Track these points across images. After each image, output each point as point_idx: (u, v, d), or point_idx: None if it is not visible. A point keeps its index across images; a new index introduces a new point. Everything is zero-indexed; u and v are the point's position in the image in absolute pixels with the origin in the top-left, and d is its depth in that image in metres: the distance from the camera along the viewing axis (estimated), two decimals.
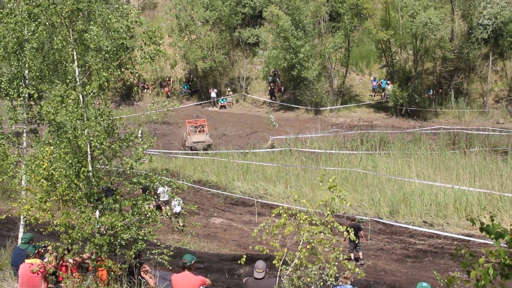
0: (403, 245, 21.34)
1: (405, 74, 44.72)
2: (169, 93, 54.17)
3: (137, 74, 12.13)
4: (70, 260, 11.21)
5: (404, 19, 42.22)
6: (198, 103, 52.53)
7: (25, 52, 13.29)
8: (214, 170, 32.12)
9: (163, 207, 23.01)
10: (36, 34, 12.65)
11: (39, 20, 11.61)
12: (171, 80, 55.68)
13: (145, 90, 55.61)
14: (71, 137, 10.65)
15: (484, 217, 20.46)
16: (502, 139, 34.13)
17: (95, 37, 10.57)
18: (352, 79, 49.55)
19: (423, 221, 22.99)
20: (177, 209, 22.24)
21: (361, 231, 19.20)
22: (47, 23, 11.46)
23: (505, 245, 5.13)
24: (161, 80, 55.76)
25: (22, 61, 13.61)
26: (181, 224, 18.80)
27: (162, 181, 12.16)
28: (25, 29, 13.16)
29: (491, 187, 24.23)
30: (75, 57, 10.97)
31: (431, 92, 44.62)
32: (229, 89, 52.02)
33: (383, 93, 46.07)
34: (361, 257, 18.82)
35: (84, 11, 11.32)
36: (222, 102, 51.48)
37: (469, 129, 36.48)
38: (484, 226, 5.09)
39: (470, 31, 42.75)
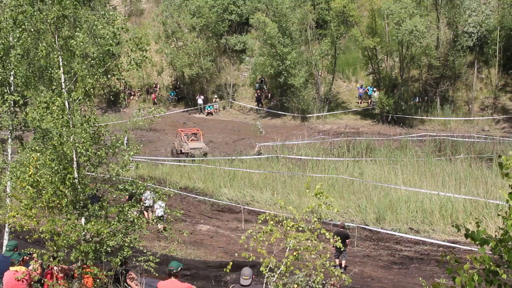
0: (389, 251, 21.40)
1: (391, 81, 45.00)
2: (155, 99, 54.03)
3: (123, 81, 12.11)
4: (56, 268, 11.11)
5: (390, 26, 42.53)
6: (185, 109, 52.46)
7: (10, 59, 13.20)
8: (201, 177, 32.05)
9: (145, 212, 22.89)
10: (21, 41, 12.57)
11: (24, 26, 11.54)
12: (158, 87, 55.57)
13: (132, 96, 55.43)
14: (56, 144, 10.58)
15: (470, 223, 20.59)
16: (487, 146, 34.40)
17: (81, 43, 10.53)
18: (339, 86, 49.76)
19: (409, 227, 23.08)
20: (159, 212, 22.28)
21: (348, 240, 19.23)
22: (32, 30, 11.38)
23: (490, 252, 5.17)
24: (147, 86, 55.64)
25: (7, 67, 13.52)
26: (161, 228, 18.63)
27: (148, 188, 12.12)
28: (10, 35, 13.08)
29: (476, 194, 24.39)
30: (60, 64, 10.91)
31: (417, 99, 44.92)
32: (216, 96, 52.02)
33: (369, 100, 46.31)
34: (343, 265, 18.80)
35: (70, 17, 11.27)
36: (209, 109, 51.45)
37: (455, 136, 36.73)
38: (469, 232, 5.13)
39: (456, 39, 43.20)
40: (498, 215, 6.63)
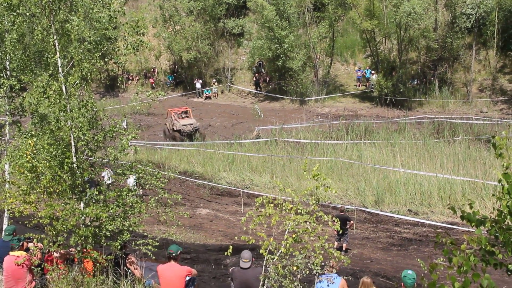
0: (388, 233, 21.49)
1: (389, 64, 44.86)
2: (153, 84, 53.92)
3: (121, 65, 12.09)
4: (56, 254, 11.17)
5: (388, 9, 42.32)
6: (183, 94, 52.38)
7: (5, 43, 13.14)
8: (199, 161, 32.09)
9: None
10: (16, 25, 12.50)
11: (18, 11, 11.45)
12: (156, 71, 55.43)
13: (130, 81, 55.31)
14: (54, 129, 10.57)
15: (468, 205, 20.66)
16: (486, 127, 34.40)
17: (77, 27, 10.46)
18: (337, 69, 49.64)
19: (408, 209, 23.15)
20: (131, 183, 22.48)
21: (351, 222, 19.34)
22: (27, 14, 11.30)
23: (486, 232, 5.19)
24: (145, 71, 55.49)
25: (3, 52, 13.46)
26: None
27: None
28: (5, 20, 13.00)
29: (474, 176, 24.45)
30: (57, 48, 10.86)
31: (416, 82, 44.83)
32: (214, 80, 51.89)
33: (367, 83, 46.23)
34: (344, 248, 18.91)
35: (66, 1, 11.19)
36: (207, 93, 51.35)
37: (453, 118, 36.73)
38: (465, 214, 5.14)
39: (454, 21, 42.99)
40: (493, 195, 6.64)
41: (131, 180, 21.98)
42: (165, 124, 40.19)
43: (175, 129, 37.96)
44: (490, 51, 43.64)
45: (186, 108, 41.10)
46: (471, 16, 42.67)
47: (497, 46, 42.36)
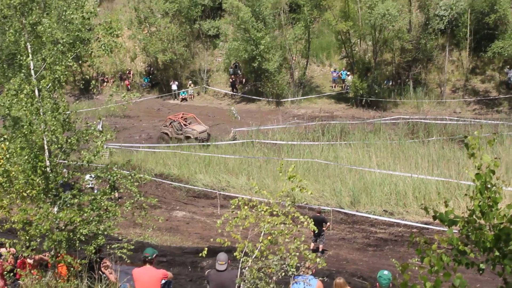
0: (364, 234, 21.63)
1: (364, 65, 45.15)
2: (129, 86, 53.53)
3: (95, 66, 11.98)
4: (30, 261, 11.03)
5: (362, 10, 42.58)
6: (159, 96, 52.11)
7: None
8: (176, 163, 31.97)
9: None
10: None
11: None
12: (131, 73, 55.05)
13: (105, 83, 54.82)
14: (26, 132, 10.43)
15: (442, 204, 20.88)
16: (459, 128, 34.83)
17: (49, 29, 10.34)
18: (313, 70, 49.80)
19: (384, 210, 23.33)
20: (91, 184, 22.31)
21: (327, 223, 19.43)
22: None
23: (458, 232, 5.26)
24: (121, 73, 55.06)
25: None
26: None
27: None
28: None
29: (448, 175, 24.73)
30: (29, 50, 10.72)
31: (390, 83, 45.18)
32: (190, 82, 51.69)
33: (343, 84, 46.48)
34: (320, 249, 18.99)
35: (40, 2, 11.06)
36: (183, 94, 51.15)
37: (427, 119, 37.12)
38: (438, 214, 5.20)
39: (427, 22, 43.46)
40: (465, 195, 6.72)
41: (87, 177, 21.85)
42: (166, 131, 39.31)
43: (192, 137, 37.29)
44: (463, 52, 44.17)
45: (183, 113, 40.86)
46: (444, 18, 43.11)
47: (470, 47, 42.89)
